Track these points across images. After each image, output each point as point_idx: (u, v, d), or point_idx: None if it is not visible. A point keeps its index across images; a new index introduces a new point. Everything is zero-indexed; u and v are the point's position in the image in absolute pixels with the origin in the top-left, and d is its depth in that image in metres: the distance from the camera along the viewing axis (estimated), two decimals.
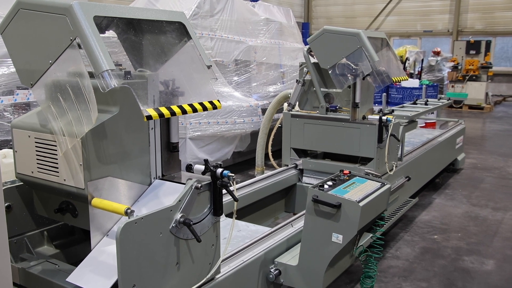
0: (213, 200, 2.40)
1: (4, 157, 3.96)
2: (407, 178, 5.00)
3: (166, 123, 2.52)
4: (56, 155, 2.21)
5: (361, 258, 3.19)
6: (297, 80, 4.92)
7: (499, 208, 5.88)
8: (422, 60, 13.55)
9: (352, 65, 4.34)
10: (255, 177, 4.69)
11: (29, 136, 2.32)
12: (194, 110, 2.31)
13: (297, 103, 4.96)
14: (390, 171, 4.56)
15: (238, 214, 3.36)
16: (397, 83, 5.33)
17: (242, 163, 7.77)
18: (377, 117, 4.37)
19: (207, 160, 2.43)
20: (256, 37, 8.28)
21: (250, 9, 8.46)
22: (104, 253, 2.20)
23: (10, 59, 2.41)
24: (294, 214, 4.31)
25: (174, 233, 2.21)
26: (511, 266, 4.33)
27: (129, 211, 2.00)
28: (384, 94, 5.70)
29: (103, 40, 1.97)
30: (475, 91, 14.86)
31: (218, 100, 2.45)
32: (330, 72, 4.40)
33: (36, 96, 2.26)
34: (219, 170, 2.35)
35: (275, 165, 5.79)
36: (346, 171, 3.29)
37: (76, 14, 1.95)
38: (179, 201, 2.21)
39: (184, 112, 2.26)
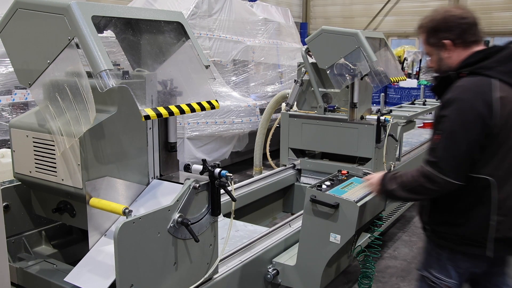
0: (211, 200, 2.40)
1: (2, 157, 3.96)
2: None
3: (164, 123, 2.52)
4: (54, 154, 2.21)
5: (359, 258, 3.20)
6: (295, 80, 4.92)
7: None
8: (420, 60, 13.57)
9: (350, 65, 4.34)
10: (253, 177, 4.69)
11: (27, 136, 2.32)
12: (192, 110, 2.31)
13: (295, 103, 4.96)
14: (388, 171, 4.56)
15: (236, 214, 3.37)
16: (395, 83, 5.35)
17: (240, 163, 7.78)
18: (375, 117, 4.37)
19: (205, 160, 2.43)
20: (254, 37, 8.28)
21: (248, 9, 8.47)
22: (102, 253, 2.20)
23: (8, 59, 2.40)
24: (292, 214, 4.31)
25: (172, 233, 2.21)
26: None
27: (127, 211, 2.00)
28: (382, 94, 5.71)
29: (101, 40, 1.97)
30: None
31: (216, 100, 2.45)
32: (328, 72, 4.40)
33: (34, 96, 2.25)
34: (217, 170, 2.35)
35: (273, 165, 5.80)
36: (344, 171, 3.29)
37: (74, 14, 1.94)
38: (177, 201, 2.21)
39: (182, 112, 2.26)
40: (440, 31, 2.30)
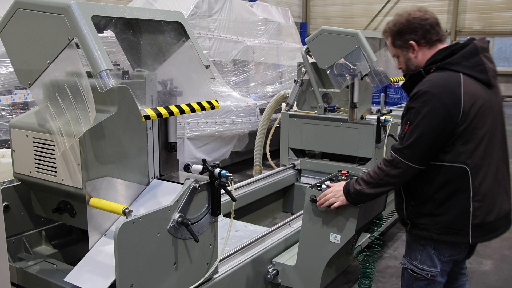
0: (211, 200, 2.41)
1: (2, 157, 3.95)
2: None
3: (164, 123, 2.52)
4: (54, 154, 2.21)
5: (359, 258, 3.20)
6: (295, 80, 4.93)
7: None
8: None
9: (350, 65, 4.34)
10: (253, 177, 4.69)
11: (27, 136, 2.32)
12: (192, 110, 2.31)
13: (295, 103, 4.96)
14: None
15: (236, 214, 3.37)
16: (395, 83, 5.34)
17: (240, 163, 7.78)
18: (375, 117, 4.37)
19: (205, 160, 2.43)
20: (254, 37, 8.28)
21: (248, 9, 8.47)
22: (102, 253, 2.20)
23: (8, 59, 2.40)
24: (292, 214, 4.31)
25: (172, 233, 2.21)
26: (508, 266, 4.34)
27: (127, 211, 2.00)
28: (382, 94, 5.68)
29: (101, 40, 1.97)
30: None
31: (216, 100, 2.45)
32: (328, 72, 4.40)
33: (34, 96, 2.25)
34: (217, 170, 2.35)
35: (273, 165, 5.80)
36: (344, 171, 3.28)
37: (74, 14, 1.95)
38: (177, 201, 2.22)
39: (182, 112, 2.27)
40: (405, 33, 2.44)
